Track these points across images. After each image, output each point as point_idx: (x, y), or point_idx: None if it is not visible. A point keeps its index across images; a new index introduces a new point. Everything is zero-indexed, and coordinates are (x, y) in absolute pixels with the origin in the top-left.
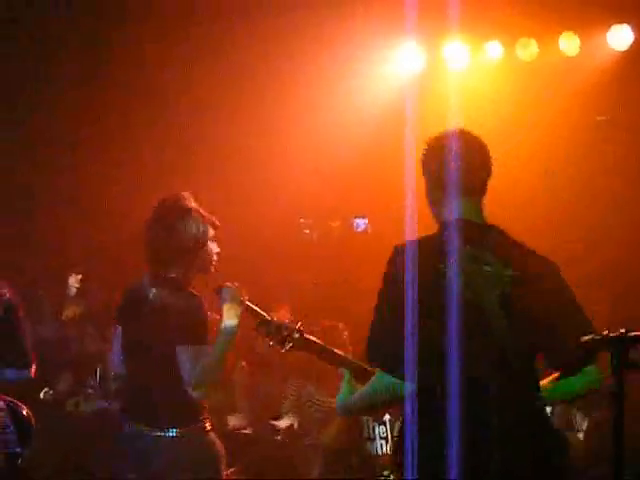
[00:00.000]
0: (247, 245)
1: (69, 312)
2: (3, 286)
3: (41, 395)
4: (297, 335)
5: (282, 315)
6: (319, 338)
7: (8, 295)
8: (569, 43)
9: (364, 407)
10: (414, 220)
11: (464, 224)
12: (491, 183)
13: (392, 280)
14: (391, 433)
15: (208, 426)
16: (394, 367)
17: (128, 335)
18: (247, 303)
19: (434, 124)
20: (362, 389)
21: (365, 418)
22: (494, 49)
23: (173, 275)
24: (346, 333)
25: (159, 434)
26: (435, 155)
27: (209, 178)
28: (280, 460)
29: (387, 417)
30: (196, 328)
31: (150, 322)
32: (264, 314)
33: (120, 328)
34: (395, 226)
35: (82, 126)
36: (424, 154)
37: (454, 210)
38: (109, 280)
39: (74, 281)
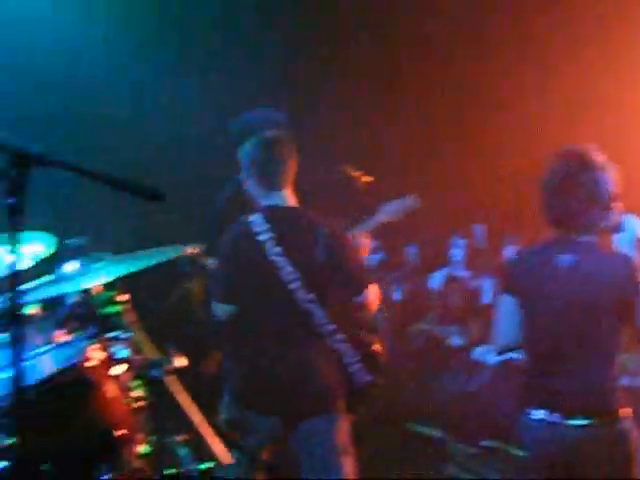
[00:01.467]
0: None
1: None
2: (324, 224)
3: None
4: None
5: None
6: None
7: (327, 231)
8: None
9: None
10: None
11: None
12: None
13: None
14: None
15: (628, 412)
16: None
17: (537, 308)
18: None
19: None
20: None
21: None
22: None
23: (589, 239)
24: None
25: (577, 423)
26: None
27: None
28: None
29: None
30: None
31: (578, 296)
32: None
33: (517, 299)
34: None
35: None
36: None
37: None
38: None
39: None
